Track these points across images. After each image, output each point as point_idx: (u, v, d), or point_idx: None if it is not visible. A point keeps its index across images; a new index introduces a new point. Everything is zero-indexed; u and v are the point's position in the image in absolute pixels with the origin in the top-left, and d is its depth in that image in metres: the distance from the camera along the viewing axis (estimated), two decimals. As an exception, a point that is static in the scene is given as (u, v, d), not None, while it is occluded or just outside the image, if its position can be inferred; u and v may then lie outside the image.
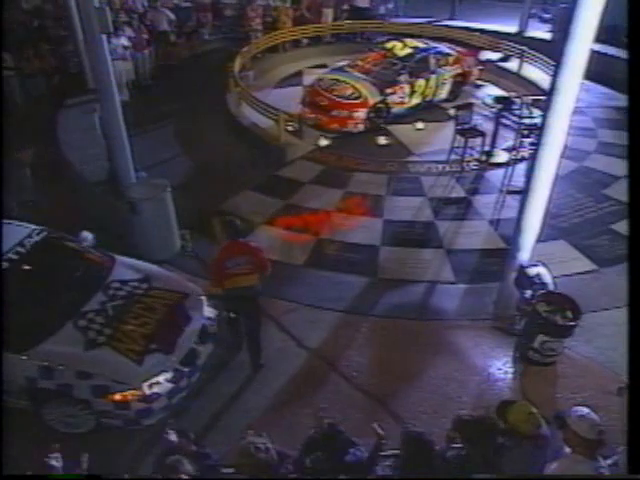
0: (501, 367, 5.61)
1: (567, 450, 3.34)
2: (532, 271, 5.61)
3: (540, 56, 12.34)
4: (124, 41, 11.16)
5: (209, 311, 5.46)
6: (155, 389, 4.59)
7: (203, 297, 5.49)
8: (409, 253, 7.26)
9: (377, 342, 5.92)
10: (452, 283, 6.74)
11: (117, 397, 4.44)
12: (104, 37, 6.14)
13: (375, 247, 7.35)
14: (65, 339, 4.62)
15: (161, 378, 4.65)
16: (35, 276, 5.05)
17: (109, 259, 5.55)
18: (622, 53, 12.65)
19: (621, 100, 11.82)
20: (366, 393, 5.29)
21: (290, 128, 9.97)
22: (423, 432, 3.45)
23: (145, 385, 4.53)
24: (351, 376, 5.44)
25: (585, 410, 3.39)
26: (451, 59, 11.67)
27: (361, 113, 10.16)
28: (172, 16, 13.16)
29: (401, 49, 11.37)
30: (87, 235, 5.66)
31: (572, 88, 4.60)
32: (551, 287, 5.61)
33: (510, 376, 5.52)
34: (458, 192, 8.65)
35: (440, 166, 9.21)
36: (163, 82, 12.43)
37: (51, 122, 9.45)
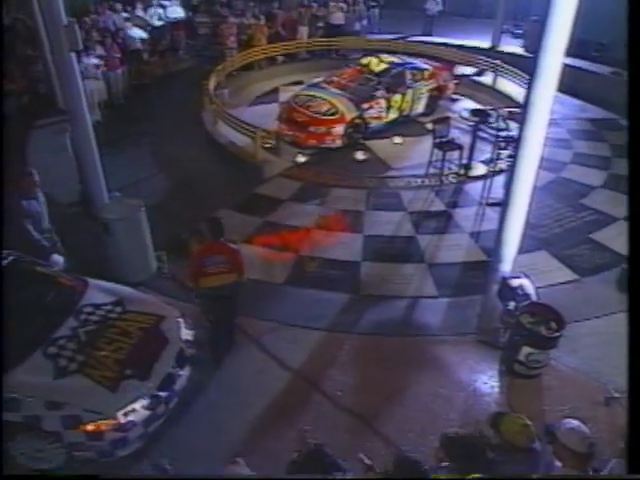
0: (487, 381, 5.52)
1: (558, 464, 3.24)
2: (515, 282, 5.57)
3: (514, 70, 12.53)
4: (95, 60, 11.01)
5: (187, 333, 5.29)
6: (131, 417, 4.38)
7: (181, 319, 5.32)
8: (391, 268, 7.18)
9: (361, 360, 5.78)
10: (435, 297, 6.66)
11: (90, 427, 4.22)
12: (74, 55, 6.01)
13: (356, 263, 7.25)
14: (33, 368, 4.39)
15: (137, 405, 4.45)
16: (2, 302, 4.83)
17: (81, 283, 5.35)
18: (592, 66, 13.05)
19: (593, 112, 12.13)
20: (351, 413, 5.14)
21: (267, 145, 9.89)
22: (416, 460, 3.30)
23: (120, 413, 4.32)
24: (335, 396, 5.29)
25: (575, 423, 3.31)
26: (426, 74, 11.76)
27: (338, 129, 10.13)
28: (145, 35, 13.04)
29: (377, 65, 11.41)
30: (58, 259, 5.48)
31: (546, 101, 4.67)
32: (534, 298, 5.57)
33: (497, 390, 5.44)
34: (438, 206, 8.63)
35: (419, 180, 9.21)
36: (137, 101, 12.30)
37: (21, 144, 9.23)
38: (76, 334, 4.76)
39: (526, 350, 5.31)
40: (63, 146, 7.79)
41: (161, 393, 4.67)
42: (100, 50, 11.31)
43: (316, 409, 5.17)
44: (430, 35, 16.86)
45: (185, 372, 5.05)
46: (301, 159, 9.87)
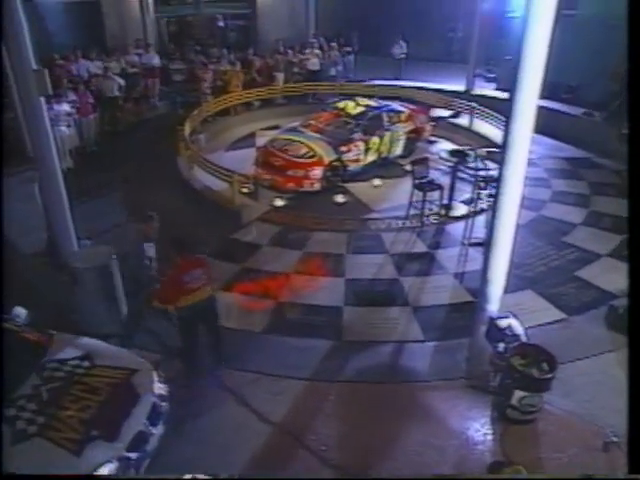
0: (480, 429, 5.24)
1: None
2: (503, 323, 5.39)
3: (489, 111, 12.75)
4: (67, 107, 10.89)
5: (160, 387, 4.96)
6: (96, 484, 4.01)
7: (154, 372, 5.00)
8: (374, 312, 6.96)
9: (346, 410, 5.48)
10: (421, 341, 6.43)
11: (50, 498, 3.84)
12: (43, 101, 5.87)
13: (338, 308, 7.02)
14: (-12, 433, 4.03)
15: (104, 470, 4.07)
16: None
17: (46, 337, 5.01)
18: (564, 107, 13.46)
19: (569, 151, 12.36)
20: (337, 469, 4.81)
21: (244, 190, 9.75)
22: None
23: (85, 480, 3.96)
24: (320, 450, 4.96)
25: None
26: (403, 116, 11.87)
27: (317, 172, 10.07)
28: (122, 82, 13.04)
29: (353, 108, 11.48)
30: (20, 311, 5.15)
31: (524, 141, 4.74)
32: (523, 338, 5.40)
33: (490, 438, 5.16)
34: (420, 247, 8.50)
35: (400, 222, 9.10)
36: (110, 148, 12.18)
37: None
38: (38, 393, 4.41)
39: (519, 394, 5.09)
40: (31, 194, 7.58)
41: (131, 455, 4.30)
42: (72, 96, 11.21)
43: (300, 466, 4.83)
44: (399, 79, 17.22)
45: (158, 430, 4.69)
46: (279, 203, 9.73)
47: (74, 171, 9.85)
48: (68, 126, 10.84)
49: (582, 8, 13.75)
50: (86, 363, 4.82)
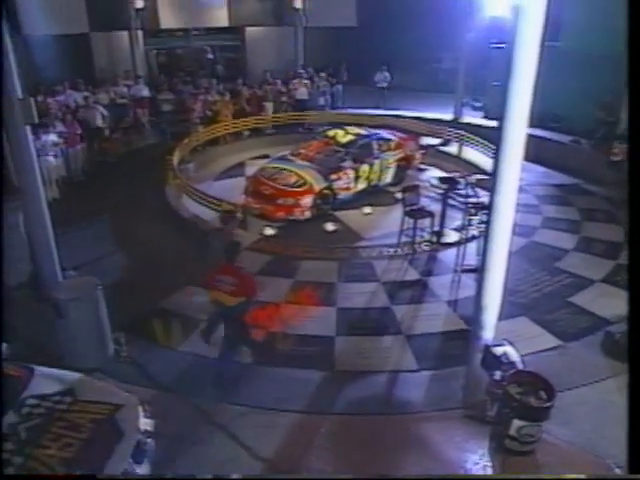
0: (478, 461, 5.06)
1: None
2: (498, 350, 5.26)
3: (477, 139, 12.85)
4: (54, 137, 10.84)
5: (146, 423, 4.75)
6: (76, 528, 3.79)
7: (139, 407, 4.80)
8: (367, 342, 6.81)
9: (339, 443, 5.28)
10: (415, 371, 6.28)
11: None
12: (28, 130, 5.79)
13: (330, 338, 6.87)
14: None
15: (85, 512, 3.87)
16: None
17: (26, 372, 4.81)
18: (552, 135, 13.74)
19: (558, 178, 12.46)
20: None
21: (234, 219, 9.66)
22: None
23: (64, 525, 3.74)
24: (312, 487, 4.77)
25: None
26: (393, 144, 11.92)
27: (307, 200, 10.02)
28: (105, 112, 13.06)
29: (343, 136, 11.52)
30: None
31: (514, 169, 4.74)
32: (520, 366, 5.26)
33: (489, 470, 4.98)
34: (412, 274, 8.40)
35: (391, 249, 9.01)
36: (99, 178, 12.13)
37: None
38: (16, 431, 4.19)
39: (517, 423, 4.93)
40: (15, 225, 7.45)
41: (115, 495, 4.09)
42: (60, 127, 11.19)
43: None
44: (381, 108, 17.38)
45: (143, 468, 4.48)
46: (269, 232, 9.63)
47: (60, 201, 9.77)
48: (55, 156, 10.80)
49: (564, 40, 14.12)
50: (68, 398, 4.62)
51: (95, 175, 12.25)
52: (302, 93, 16.12)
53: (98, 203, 10.74)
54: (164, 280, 8.05)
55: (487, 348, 5.30)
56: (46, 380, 4.78)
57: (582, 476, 3.06)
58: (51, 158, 10.54)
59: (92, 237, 9.41)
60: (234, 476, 4.51)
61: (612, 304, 7.36)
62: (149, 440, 4.68)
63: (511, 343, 5.41)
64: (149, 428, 4.75)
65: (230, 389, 5.90)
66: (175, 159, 11.29)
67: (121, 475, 4.08)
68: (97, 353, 6.12)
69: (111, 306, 6.26)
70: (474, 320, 5.45)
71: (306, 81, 16.50)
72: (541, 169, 12.66)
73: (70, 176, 11.65)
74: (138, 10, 15.98)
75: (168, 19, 18.42)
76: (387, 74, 18.04)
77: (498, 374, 5.20)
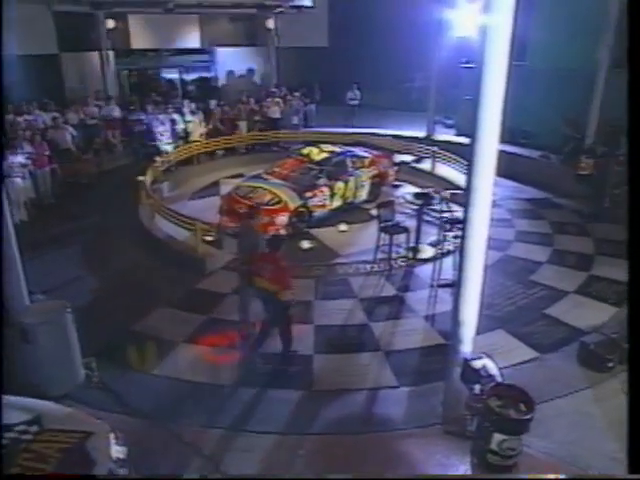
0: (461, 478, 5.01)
1: None
2: (477, 364, 5.23)
3: (450, 155, 13.02)
4: (22, 158, 10.63)
5: (118, 451, 4.57)
6: None
7: (111, 434, 4.61)
8: (345, 359, 6.74)
9: (319, 464, 5.16)
10: (394, 387, 6.21)
11: None
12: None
13: (308, 356, 6.77)
14: None
15: None
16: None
17: (-11, 401, 4.61)
18: (523, 151, 14.17)
19: (529, 192, 12.69)
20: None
21: (208, 238, 9.52)
22: None
23: None
24: (292, 511, 4.65)
25: None
26: (367, 161, 12.00)
27: (282, 218, 9.97)
28: (74, 132, 12.92)
29: (317, 154, 11.55)
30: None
31: (487, 184, 4.80)
32: (499, 379, 5.24)
33: (472, 488, 4.93)
34: (389, 290, 8.38)
35: (368, 266, 9.00)
36: (70, 199, 11.93)
37: None
38: (-24, 466, 3.99)
39: (498, 437, 4.87)
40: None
41: (86, 528, 3.91)
42: (28, 148, 10.99)
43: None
44: (354, 126, 17.54)
45: (116, 499, 4.30)
46: (245, 250, 9.50)
47: (29, 223, 9.52)
48: (23, 178, 10.56)
49: (530, 60, 14.63)
50: (35, 428, 4.41)
51: (66, 197, 12.03)
52: (274, 112, 16.21)
53: (68, 225, 10.56)
54: (137, 302, 7.87)
55: (466, 362, 5.27)
56: (11, 409, 4.57)
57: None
58: (19, 180, 10.32)
59: (62, 260, 9.18)
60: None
61: (586, 315, 7.46)
62: (122, 469, 4.49)
63: (489, 356, 5.40)
64: (122, 456, 4.57)
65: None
66: (148, 179, 11.14)
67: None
68: (66, 379, 5.89)
69: (82, 330, 6.06)
70: (452, 334, 5.43)
71: (278, 100, 16.58)
72: (512, 184, 12.87)
73: (39, 198, 11.41)
74: (109, 30, 15.88)
75: (139, 39, 18.45)
76: (357, 92, 18.36)
77: (477, 388, 5.16)
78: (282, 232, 9.93)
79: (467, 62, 15.97)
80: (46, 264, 8.41)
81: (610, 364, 6.33)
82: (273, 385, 6.24)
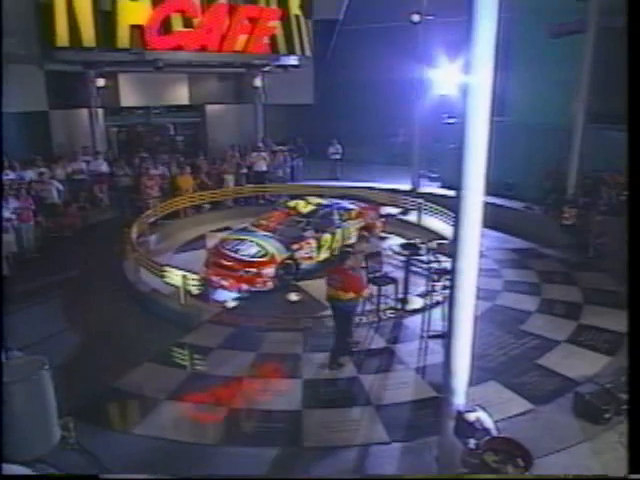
0: (458, 540, 4.75)
1: None
2: (471, 416, 5.05)
3: (435, 207, 13.17)
4: (7, 213, 10.56)
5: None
6: None
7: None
8: (335, 414, 6.51)
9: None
10: (387, 443, 5.98)
11: None
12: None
13: (297, 412, 6.54)
14: None
15: None
16: None
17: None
18: (507, 202, 14.35)
19: (515, 243, 12.79)
20: None
21: (194, 291, 9.36)
22: None
23: None
24: None
25: None
26: (354, 213, 12.06)
27: (269, 271, 9.86)
28: (61, 187, 12.92)
29: (304, 206, 11.59)
30: None
31: (474, 236, 4.83)
32: (494, 432, 5.06)
33: None
34: (378, 342, 8.22)
35: (356, 317, 8.85)
36: (53, 253, 11.78)
37: None
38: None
39: (496, 496, 4.68)
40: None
41: None
42: (14, 203, 10.91)
43: None
44: (338, 179, 17.97)
45: None
46: (231, 304, 9.38)
47: (10, 278, 9.32)
48: (6, 232, 10.41)
49: (509, 115, 15.19)
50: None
51: (50, 251, 11.90)
52: (261, 165, 16.40)
53: (50, 279, 10.37)
54: (119, 358, 7.64)
55: (459, 415, 5.10)
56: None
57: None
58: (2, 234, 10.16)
59: (43, 315, 8.96)
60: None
61: (578, 364, 7.35)
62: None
63: (483, 408, 5.24)
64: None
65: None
66: (133, 232, 11.05)
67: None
68: (41, 441, 5.55)
69: (60, 388, 5.79)
70: (444, 387, 5.27)
71: (264, 153, 16.83)
72: (498, 234, 12.94)
73: (22, 252, 11.27)
74: (99, 88, 16.13)
75: (129, 97, 18.74)
76: (338, 146, 18.88)
77: (472, 442, 4.97)
78: (269, 284, 9.84)
79: (449, 117, 16.42)
80: (25, 319, 8.19)
81: (607, 415, 6.18)
82: (262, 443, 5.98)
